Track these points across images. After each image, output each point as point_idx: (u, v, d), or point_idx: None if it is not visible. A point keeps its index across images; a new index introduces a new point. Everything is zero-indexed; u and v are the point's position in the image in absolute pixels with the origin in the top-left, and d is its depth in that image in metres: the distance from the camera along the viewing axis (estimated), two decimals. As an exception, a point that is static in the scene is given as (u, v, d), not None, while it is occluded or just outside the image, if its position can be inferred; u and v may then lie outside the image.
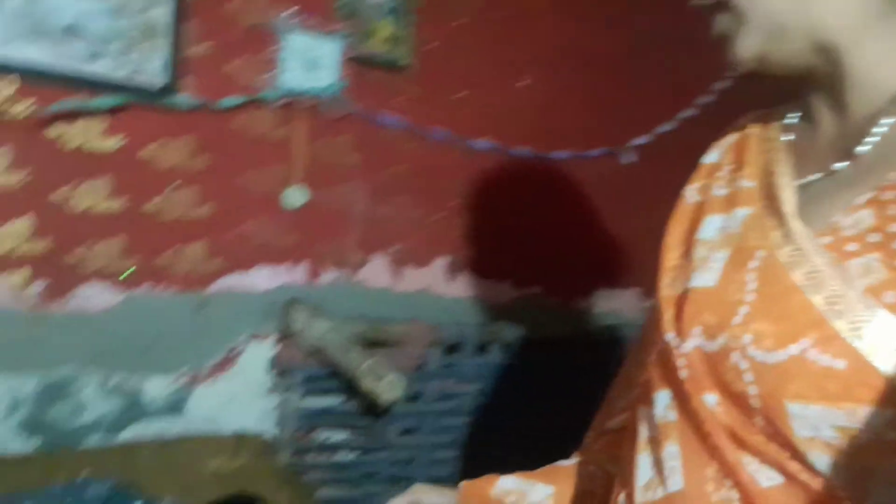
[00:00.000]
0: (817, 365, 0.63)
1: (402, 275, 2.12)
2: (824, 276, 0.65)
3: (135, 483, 1.57)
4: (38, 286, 1.69)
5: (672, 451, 0.74)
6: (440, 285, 2.18)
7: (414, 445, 2.04)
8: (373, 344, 1.90)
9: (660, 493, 0.74)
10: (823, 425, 0.63)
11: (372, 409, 1.96)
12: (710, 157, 0.89)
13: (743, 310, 0.69)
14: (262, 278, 1.94)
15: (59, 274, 1.71)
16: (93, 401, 1.77)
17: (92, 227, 1.73)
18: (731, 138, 0.88)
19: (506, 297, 2.29)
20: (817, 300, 0.65)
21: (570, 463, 1.03)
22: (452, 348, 2.05)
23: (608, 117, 2.33)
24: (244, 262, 1.91)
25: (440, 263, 2.18)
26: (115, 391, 1.79)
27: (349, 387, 1.92)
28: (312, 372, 1.91)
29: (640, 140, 2.36)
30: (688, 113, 2.34)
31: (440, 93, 2.12)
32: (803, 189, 0.74)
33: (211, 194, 1.86)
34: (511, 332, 2.15)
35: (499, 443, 2.13)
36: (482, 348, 2.08)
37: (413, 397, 2.00)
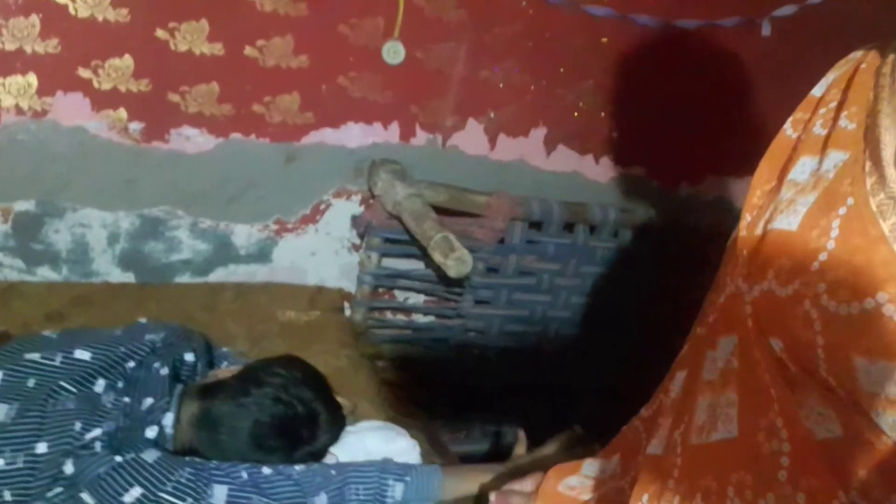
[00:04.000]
0: (893, 321, 0.60)
1: (496, 143, 2.06)
2: None
3: (210, 324, 1.67)
4: (138, 125, 1.75)
5: (730, 398, 0.73)
6: (536, 157, 2.11)
7: (488, 316, 2.06)
8: (456, 213, 1.89)
9: (714, 437, 0.74)
10: (889, 383, 0.61)
11: (449, 278, 1.98)
12: (818, 89, 0.81)
13: (822, 256, 0.66)
14: (354, 135, 1.92)
15: (157, 114, 1.75)
16: (185, 241, 1.87)
17: (192, 68, 1.74)
18: (840, 70, 0.79)
19: (604, 176, 2.20)
20: None
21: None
22: (537, 224, 2.00)
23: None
24: (337, 117, 1.90)
25: (538, 134, 2.10)
26: (206, 234, 1.88)
27: (426, 252, 1.93)
28: (394, 234, 1.93)
29: (785, 11, 2.12)
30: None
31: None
32: None
33: (309, 43, 1.81)
34: (599, 213, 2.07)
35: (572, 324, 2.12)
36: (569, 227, 2.01)
37: (492, 269, 2.00)
